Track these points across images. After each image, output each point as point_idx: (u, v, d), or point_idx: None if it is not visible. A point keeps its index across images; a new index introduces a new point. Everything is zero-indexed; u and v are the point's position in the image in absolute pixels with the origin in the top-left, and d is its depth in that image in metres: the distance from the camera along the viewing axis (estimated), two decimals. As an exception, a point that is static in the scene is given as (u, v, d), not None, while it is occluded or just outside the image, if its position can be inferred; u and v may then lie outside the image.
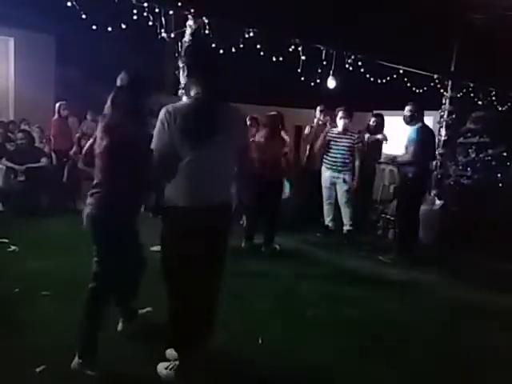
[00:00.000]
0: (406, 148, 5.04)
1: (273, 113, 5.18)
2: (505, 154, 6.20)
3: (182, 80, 4.12)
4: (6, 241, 4.71)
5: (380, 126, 6.27)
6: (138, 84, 2.47)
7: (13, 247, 4.59)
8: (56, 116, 7.49)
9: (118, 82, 2.48)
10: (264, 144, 4.96)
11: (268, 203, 5.06)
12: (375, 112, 6.67)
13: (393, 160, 5.43)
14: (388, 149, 6.52)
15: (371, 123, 6.27)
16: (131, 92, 2.40)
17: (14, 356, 2.70)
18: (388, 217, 6.13)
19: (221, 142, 2.20)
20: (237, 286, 3.78)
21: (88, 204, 2.49)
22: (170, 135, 2.15)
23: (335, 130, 5.62)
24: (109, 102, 2.46)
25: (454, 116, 6.70)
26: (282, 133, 5.75)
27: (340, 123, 5.56)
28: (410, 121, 5.03)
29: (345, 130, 5.53)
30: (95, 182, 2.49)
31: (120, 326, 3.00)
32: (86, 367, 2.48)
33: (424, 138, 4.99)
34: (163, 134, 2.16)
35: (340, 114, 5.56)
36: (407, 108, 5.03)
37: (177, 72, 4.17)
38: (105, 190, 2.43)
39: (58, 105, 7.47)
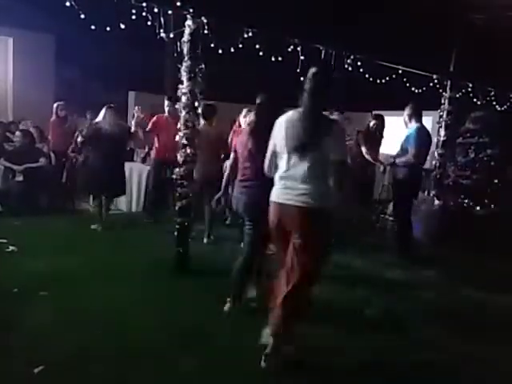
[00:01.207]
0: (402, 147, 5.07)
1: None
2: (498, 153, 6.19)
3: (185, 81, 4.12)
4: (5, 241, 4.70)
5: (380, 128, 6.26)
6: (272, 102, 3.34)
7: (11, 247, 4.58)
8: (54, 116, 7.48)
9: (258, 100, 3.40)
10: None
11: None
12: (375, 113, 6.69)
13: (393, 160, 5.39)
14: (386, 149, 6.51)
15: (371, 125, 6.26)
16: (267, 107, 3.31)
17: (12, 356, 2.69)
18: (387, 217, 6.13)
19: (316, 151, 2.59)
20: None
21: (241, 193, 3.34)
22: (275, 141, 2.77)
23: None
24: (253, 114, 3.49)
25: (453, 116, 6.69)
26: None
27: None
28: (407, 124, 5.13)
29: None
30: (244, 177, 3.32)
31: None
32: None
33: (423, 139, 5.01)
34: (272, 139, 2.81)
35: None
36: (405, 112, 5.11)
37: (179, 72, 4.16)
38: (255, 182, 3.25)
39: (55, 105, 7.47)
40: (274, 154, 2.82)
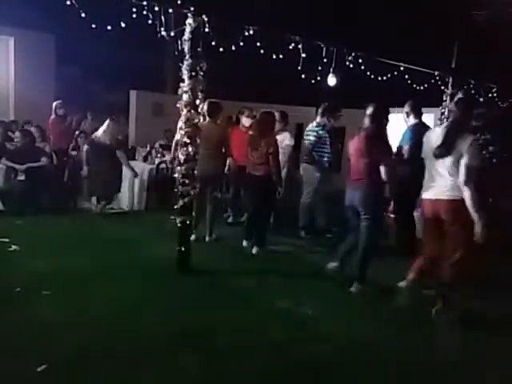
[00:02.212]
0: (400, 146, 5.08)
1: (266, 110, 5.14)
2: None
3: (186, 79, 4.12)
4: (7, 240, 4.71)
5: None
6: (382, 112, 4.04)
7: (14, 247, 4.58)
8: (53, 115, 7.48)
9: (370, 109, 4.00)
10: (253, 140, 4.98)
11: (253, 200, 5.07)
12: None
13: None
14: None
15: None
16: (378, 116, 3.99)
17: (15, 355, 2.70)
18: (390, 215, 6.09)
19: (454, 156, 3.26)
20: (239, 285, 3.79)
21: (355, 190, 3.98)
22: (426, 150, 3.59)
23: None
24: (368, 121, 3.99)
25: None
26: (286, 133, 5.77)
27: (318, 119, 5.62)
28: (406, 121, 5.12)
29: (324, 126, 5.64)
30: (357, 176, 3.96)
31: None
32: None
33: (418, 135, 4.99)
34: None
35: (319, 110, 5.61)
36: (404, 109, 5.10)
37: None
38: (368, 178, 3.91)
39: (54, 104, 7.45)
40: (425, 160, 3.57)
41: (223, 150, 5.31)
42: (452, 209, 3.36)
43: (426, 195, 3.56)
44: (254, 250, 4.95)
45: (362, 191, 3.95)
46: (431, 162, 3.48)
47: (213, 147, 5.06)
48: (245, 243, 5.14)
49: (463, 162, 3.21)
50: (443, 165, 3.36)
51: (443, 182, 3.37)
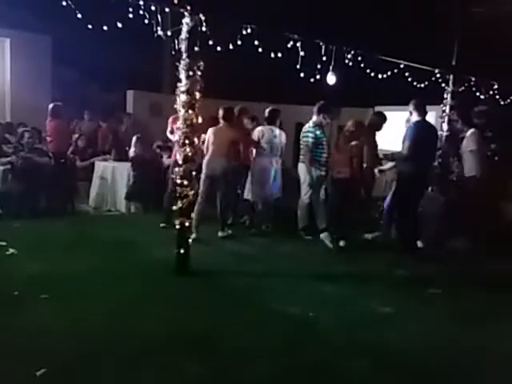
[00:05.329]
0: (403, 143, 5.08)
1: (357, 120, 5.49)
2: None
3: (183, 79, 4.08)
4: (4, 244, 4.66)
5: (380, 126, 6.23)
6: None
7: (11, 250, 4.54)
8: (51, 117, 7.40)
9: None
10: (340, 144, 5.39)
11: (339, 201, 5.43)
12: (377, 110, 6.67)
13: (392, 156, 5.40)
14: (388, 145, 6.46)
15: (374, 121, 6.23)
16: None
17: (13, 359, 2.67)
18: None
19: None
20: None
21: None
22: None
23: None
24: None
25: (456, 110, 6.61)
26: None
27: (314, 118, 5.60)
28: (410, 119, 5.16)
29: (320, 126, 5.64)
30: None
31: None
32: None
33: (419, 133, 4.96)
34: None
35: (314, 109, 5.62)
36: (408, 107, 5.11)
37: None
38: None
39: (52, 106, 7.37)
40: None
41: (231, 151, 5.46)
42: None
43: None
44: (342, 243, 5.29)
45: None
46: None
47: (225, 148, 5.34)
48: (342, 243, 5.33)
49: None
50: None
51: None
